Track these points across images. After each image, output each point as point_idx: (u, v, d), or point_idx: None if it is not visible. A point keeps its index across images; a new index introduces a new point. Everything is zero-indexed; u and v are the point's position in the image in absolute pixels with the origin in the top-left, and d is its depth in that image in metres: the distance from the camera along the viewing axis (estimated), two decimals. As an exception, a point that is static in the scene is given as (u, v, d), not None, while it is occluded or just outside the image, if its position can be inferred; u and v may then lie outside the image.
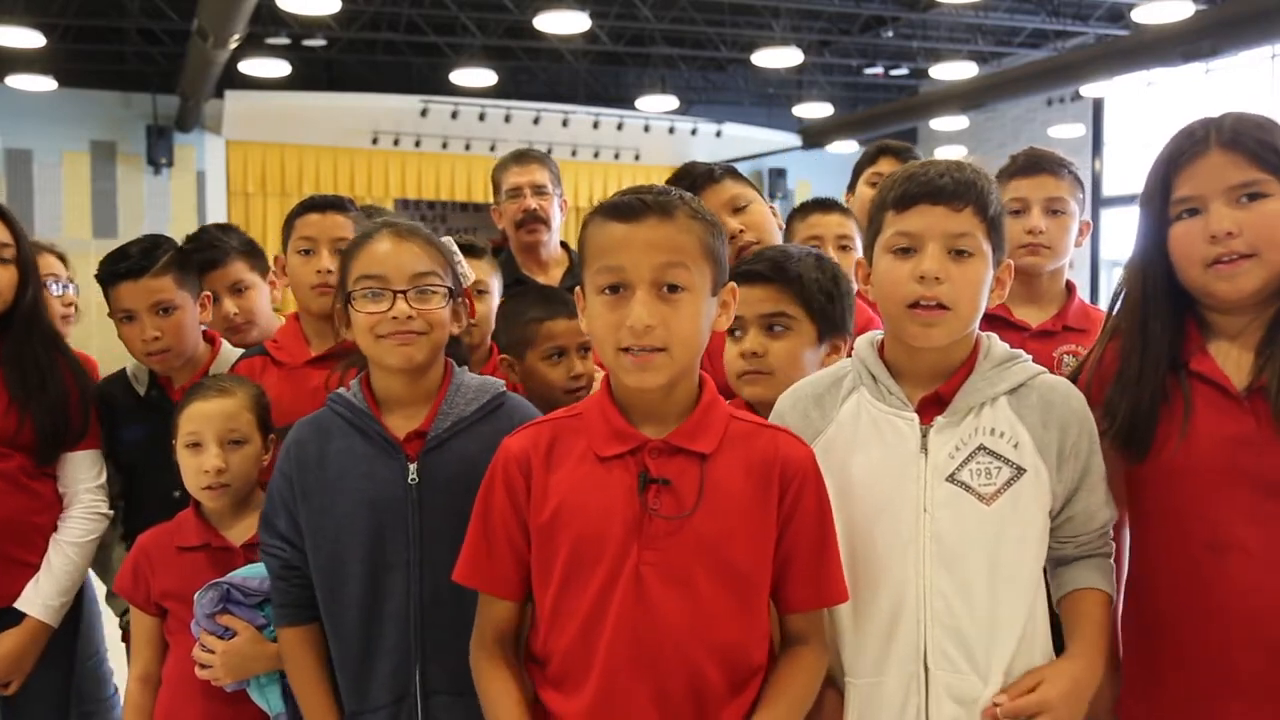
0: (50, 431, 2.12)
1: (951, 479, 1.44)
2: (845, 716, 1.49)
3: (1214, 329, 1.55)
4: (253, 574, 1.79)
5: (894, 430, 1.48)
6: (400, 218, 1.71)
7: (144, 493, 2.23)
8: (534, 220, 2.97)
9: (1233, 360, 1.51)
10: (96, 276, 2.24)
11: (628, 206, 1.36)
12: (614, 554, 1.36)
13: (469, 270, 1.76)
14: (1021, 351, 1.54)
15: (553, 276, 2.96)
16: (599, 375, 1.96)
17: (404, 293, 1.59)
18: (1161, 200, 1.52)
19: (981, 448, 1.45)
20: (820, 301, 1.77)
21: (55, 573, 2.14)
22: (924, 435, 1.46)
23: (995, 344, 1.53)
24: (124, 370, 2.33)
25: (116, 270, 2.18)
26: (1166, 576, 1.53)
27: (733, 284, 1.46)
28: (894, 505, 1.46)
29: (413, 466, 1.58)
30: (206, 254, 2.51)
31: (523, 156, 3.12)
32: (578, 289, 1.45)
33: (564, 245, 3.12)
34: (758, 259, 1.82)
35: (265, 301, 2.61)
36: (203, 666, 1.77)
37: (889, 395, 1.50)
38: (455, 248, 1.73)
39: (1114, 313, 1.66)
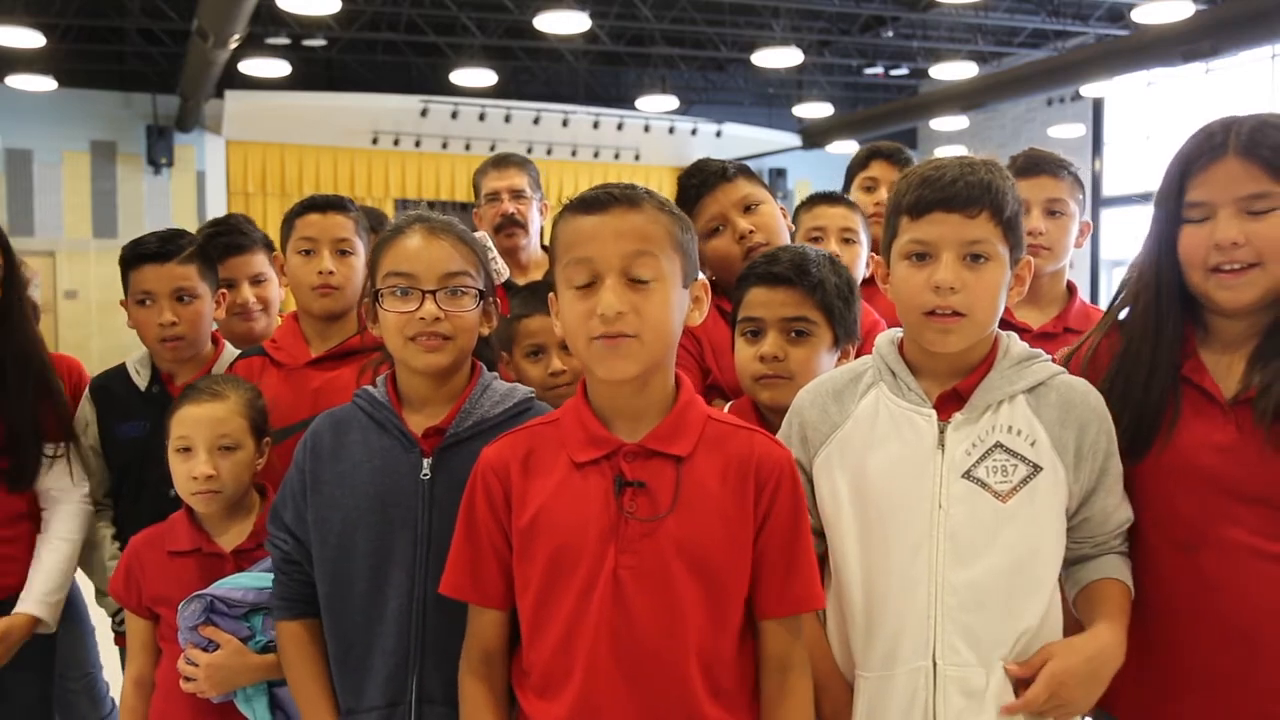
0: (22, 447, 2.12)
1: (967, 475, 1.44)
2: (854, 710, 1.49)
3: (1211, 334, 1.56)
4: (237, 585, 1.77)
5: (911, 426, 1.48)
6: (434, 213, 1.66)
7: (140, 490, 2.20)
8: (511, 225, 2.98)
9: (1223, 366, 1.54)
10: (120, 259, 2.22)
11: (594, 199, 1.37)
12: (591, 559, 1.34)
13: (503, 267, 1.73)
14: (1041, 351, 1.54)
15: (533, 279, 2.96)
16: None
17: (433, 293, 1.56)
18: (1176, 201, 1.52)
19: (998, 445, 1.45)
20: (839, 307, 1.76)
21: (47, 569, 2.12)
22: (941, 431, 1.46)
23: (1015, 343, 1.53)
24: (123, 365, 2.29)
25: (142, 252, 2.17)
26: (1141, 573, 1.55)
27: (704, 279, 1.45)
28: (909, 501, 1.45)
29: (426, 462, 1.56)
30: (234, 238, 2.51)
31: (501, 161, 3.12)
32: (551, 294, 1.44)
33: (545, 248, 3.13)
34: (774, 260, 1.79)
35: (277, 296, 2.61)
36: (188, 679, 1.75)
37: (908, 391, 1.50)
38: (490, 244, 1.69)
39: (1113, 307, 1.67)
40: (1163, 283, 1.56)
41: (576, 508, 1.37)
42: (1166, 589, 1.53)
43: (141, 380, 2.25)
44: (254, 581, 1.77)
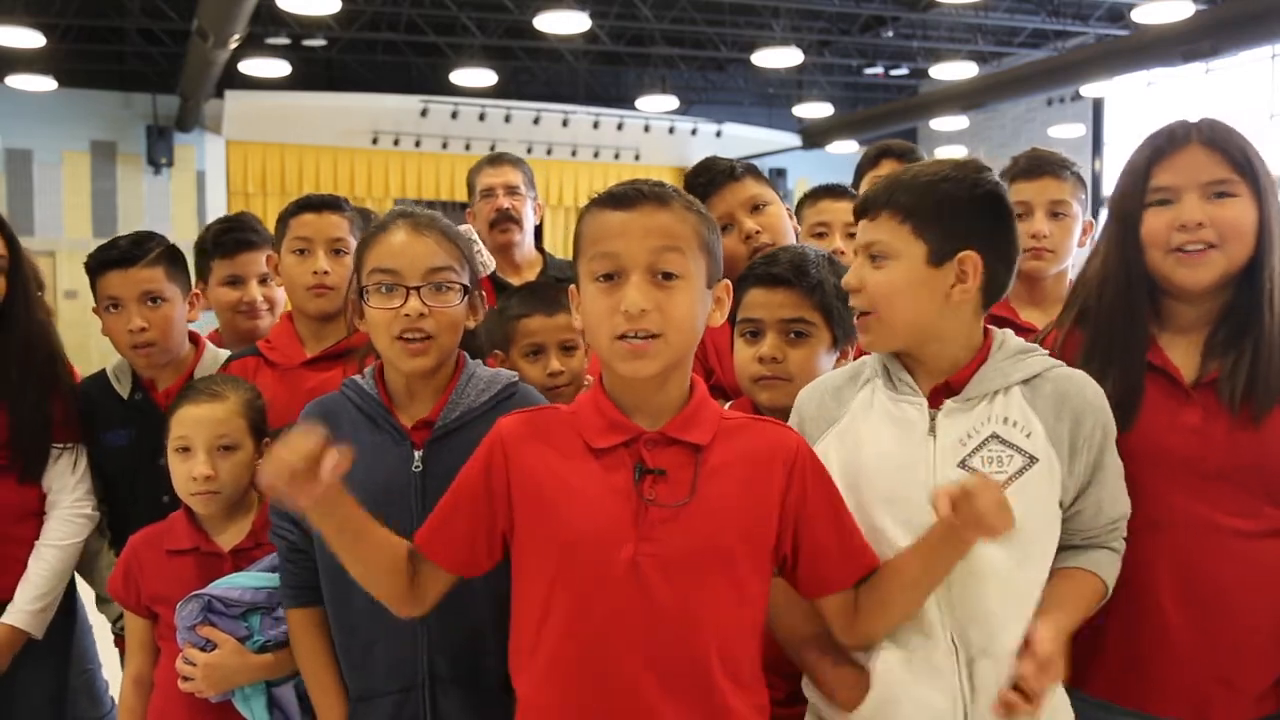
0: (28, 440, 2.09)
1: (963, 465, 1.45)
2: (873, 674, 1.47)
3: (1167, 320, 1.64)
4: (234, 585, 1.77)
5: (903, 415, 1.49)
6: (418, 209, 1.67)
7: (132, 498, 2.17)
8: (506, 220, 2.97)
9: (1180, 350, 1.62)
10: (86, 265, 2.19)
11: (623, 195, 1.36)
12: (610, 546, 1.33)
13: (489, 259, 1.73)
14: (1038, 346, 1.55)
15: (526, 279, 2.95)
16: (589, 379, 1.93)
17: (417, 289, 1.56)
18: (1141, 188, 1.62)
19: (994, 436, 1.45)
20: (838, 308, 1.75)
21: (30, 577, 2.09)
22: (932, 419, 1.47)
23: (1010, 338, 1.54)
24: (103, 371, 2.25)
25: (107, 258, 2.14)
26: None
27: (726, 280, 1.45)
28: (904, 490, 1.46)
29: (418, 454, 1.57)
30: (245, 234, 2.49)
31: (496, 159, 3.13)
32: (572, 286, 1.44)
33: (540, 249, 3.13)
34: (773, 261, 1.79)
35: (282, 296, 2.59)
36: (186, 679, 1.75)
37: (900, 384, 1.51)
38: (475, 236, 1.69)
39: (1075, 297, 1.73)
40: (1131, 270, 1.63)
41: (595, 494, 1.36)
42: (1136, 566, 1.55)
43: (123, 388, 2.21)
44: (252, 581, 1.77)
